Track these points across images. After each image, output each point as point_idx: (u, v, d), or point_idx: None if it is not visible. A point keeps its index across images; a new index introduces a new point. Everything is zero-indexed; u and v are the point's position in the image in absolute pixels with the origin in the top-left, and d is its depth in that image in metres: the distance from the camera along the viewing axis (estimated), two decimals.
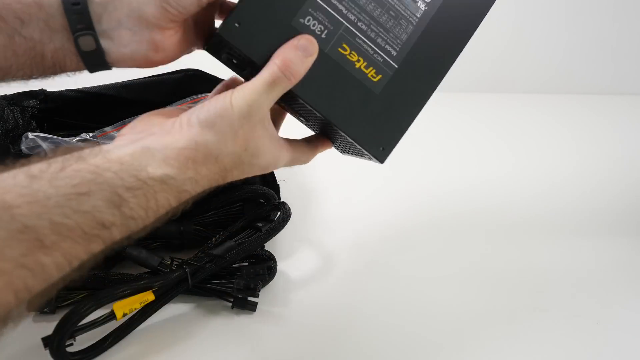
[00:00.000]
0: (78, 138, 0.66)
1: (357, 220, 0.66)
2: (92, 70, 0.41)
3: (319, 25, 0.41)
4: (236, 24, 0.40)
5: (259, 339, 0.48)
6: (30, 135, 0.63)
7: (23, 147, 0.61)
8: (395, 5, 0.42)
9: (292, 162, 0.45)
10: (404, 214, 0.68)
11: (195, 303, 0.52)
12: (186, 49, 0.43)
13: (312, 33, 0.41)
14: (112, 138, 0.66)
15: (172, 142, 0.36)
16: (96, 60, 0.40)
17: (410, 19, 0.43)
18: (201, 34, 0.45)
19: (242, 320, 0.50)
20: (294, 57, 0.39)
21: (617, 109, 1.08)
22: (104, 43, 0.40)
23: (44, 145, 0.63)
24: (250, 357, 0.46)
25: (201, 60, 0.53)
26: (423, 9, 0.43)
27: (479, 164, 0.83)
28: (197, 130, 0.37)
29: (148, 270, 0.52)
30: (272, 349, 0.47)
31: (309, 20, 0.41)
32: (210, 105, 0.38)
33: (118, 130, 0.68)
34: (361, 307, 0.52)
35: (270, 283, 0.54)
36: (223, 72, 0.49)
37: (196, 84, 0.73)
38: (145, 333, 0.48)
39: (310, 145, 0.46)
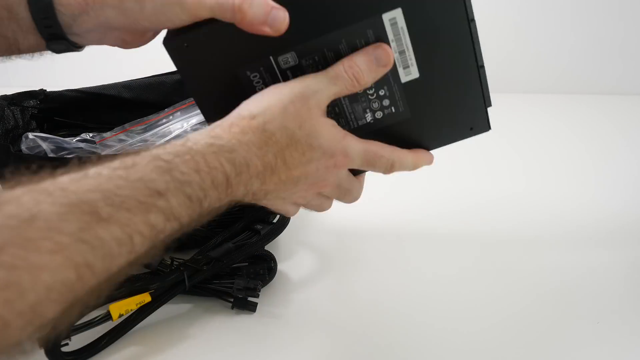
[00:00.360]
0: (78, 138, 0.66)
1: (358, 220, 0.66)
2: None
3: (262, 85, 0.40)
4: (185, 44, 0.39)
5: (259, 339, 0.48)
6: (30, 135, 0.63)
7: (23, 147, 0.61)
8: None
9: (367, 158, 0.41)
10: (404, 214, 0.68)
11: (195, 303, 0.52)
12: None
13: (255, 89, 0.40)
14: (111, 144, 0.66)
15: (216, 123, 0.36)
16: (67, 50, 0.41)
17: None
18: None
19: (242, 320, 0.50)
20: (364, 63, 0.39)
21: (626, 109, 1.08)
22: (75, 39, 0.40)
23: (44, 145, 0.63)
24: (250, 357, 0.46)
25: None
26: None
27: (485, 166, 0.82)
28: (242, 107, 0.37)
29: (148, 270, 0.51)
30: (272, 349, 0.47)
31: (255, 76, 0.40)
32: (257, 93, 0.38)
33: (117, 135, 0.68)
34: (361, 307, 0.52)
35: (271, 283, 0.54)
36: None
37: None
38: (144, 333, 0.48)
39: (392, 149, 0.42)
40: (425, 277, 0.56)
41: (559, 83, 1.19)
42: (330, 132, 0.39)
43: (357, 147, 0.40)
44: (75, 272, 0.24)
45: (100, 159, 0.30)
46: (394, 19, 0.38)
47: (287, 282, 0.55)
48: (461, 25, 0.39)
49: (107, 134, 0.68)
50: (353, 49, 0.39)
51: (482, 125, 0.44)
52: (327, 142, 0.38)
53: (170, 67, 0.49)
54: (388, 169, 0.43)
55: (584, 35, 1.17)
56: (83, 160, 0.30)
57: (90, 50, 0.44)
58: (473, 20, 0.39)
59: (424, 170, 0.47)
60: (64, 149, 0.63)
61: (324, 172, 0.39)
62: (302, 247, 0.61)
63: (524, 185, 0.76)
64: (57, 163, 0.40)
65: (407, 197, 0.72)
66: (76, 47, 0.41)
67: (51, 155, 0.61)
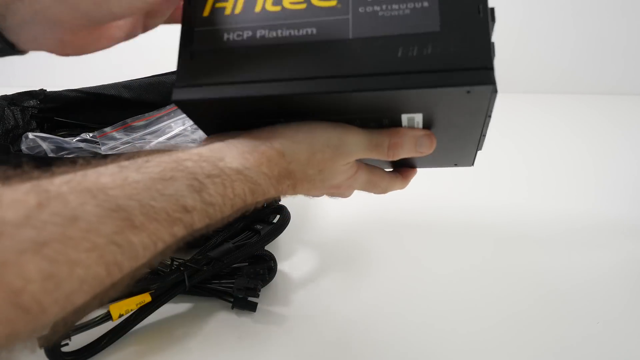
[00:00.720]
0: (78, 138, 0.66)
1: (358, 220, 0.66)
2: None
3: None
4: (198, 107, 0.39)
5: (259, 339, 0.48)
6: (30, 135, 0.63)
7: (23, 147, 0.61)
8: None
9: (367, 186, 0.45)
10: (405, 214, 0.68)
11: (195, 303, 0.52)
12: (112, 42, 0.41)
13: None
14: (112, 138, 0.66)
15: (249, 141, 0.38)
16: (3, 51, 0.39)
17: None
18: (144, 21, 0.42)
19: (242, 320, 0.50)
20: (408, 144, 0.40)
21: (626, 109, 1.08)
22: (11, 36, 0.39)
23: (44, 145, 0.63)
24: (250, 357, 0.46)
25: None
26: None
27: (485, 165, 0.82)
28: (275, 136, 0.38)
29: (148, 269, 0.52)
30: (272, 349, 0.47)
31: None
32: (299, 125, 0.39)
33: (118, 130, 0.68)
34: (362, 307, 0.52)
35: (271, 283, 0.54)
36: None
37: None
38: (144, 333, 0.48)
39: (392, 173, 0.46)
40: (426, 277, 0.56)
41: (559, 83, 1.19)
42: (345, 173, 0.42)
43: (361, 179, 0.43)
44: (105, 269, 0.27)
45: (142, 157, 0.33)
46: (413, 118, 0.40)
47: (287, 282, 0.55)
48: (478, 119, 0.40)
49: (108, 129, 0.68)
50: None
51: (467, 163, 0.48)
52: (338, 181, 0.42)
53: (171, 67, 0.48)
54: (380, 193, 0.47)
55: (584, 35, 1.17)
56: (127, 156, 0.33)
57: None
58: (490, 115, 0.40)
59: (424, 170, 0.47)
60: (64, 149, 0.63)
61: (328, 191, 0.44)
62: (302, 247, 0.61)
63: (523, 185, 0.76)
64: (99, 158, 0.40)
65: (408, 197, 0.72)
66: (13, 48, 0.39)
67: (51, 155, 0.61)
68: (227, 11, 0.39)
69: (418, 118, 0.40)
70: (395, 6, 0.37)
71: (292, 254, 0.59)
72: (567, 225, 0.66)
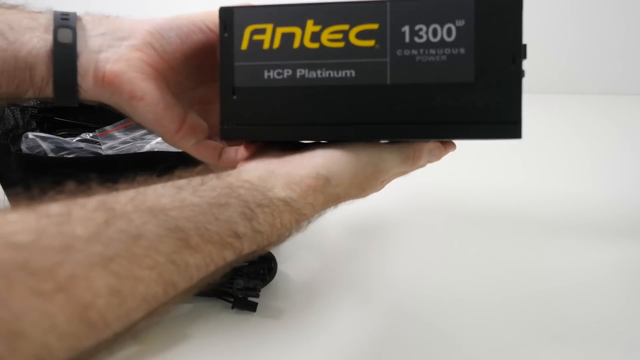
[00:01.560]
0: (78, 138, 0.66)
1: (359, 220, 0.66)
2: (57, 82, 0.41)
3: None
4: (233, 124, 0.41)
5: (259, 339, 0.48)
6: (30, 135, 0.63)
7: (23, 146, 0.61)
8: None
9: (398, 176, 0.46)
10: (405, 214, 0.68)
11: (195, 303, 0.52)
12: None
13: None
14: (112, 137, 0.66)
15: (294, 169, 0.38)
16: (66, 60, 0.41)
17: None
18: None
19: (242, 320, 0.50)
20: (424, 156, 0.44)
21: (626, 109, 1.08)
22: (79, 43, 0.41)
23: (44, 145, 0.63)
24: (250, 357, 0.46)
25: None
26: None
27: (485, 165, 0.82)
28: (319, 161, 0.39)
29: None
30: (272, 349, 0.47)
31: None
32: (336, 146, 0.40)
33: (118, 129, 0.68)
34: (362, 307, 0.52)
35: (271, 283, 0.54)
36: None
37: None
38: (144, 333, 0.48)
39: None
40: (427, 276, 0.56)
41: (559, 83, 1.19)
42: (382, 184, 0.44)
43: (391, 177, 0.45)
44: (163, 288, 0.28)
45: (195, 177, 0.35)
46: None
47: (287, 282, 0.55)
48: None
49: (109, 127, 0.68)
50: None
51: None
52: (376, 191, 0.44)
53: None
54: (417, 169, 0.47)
55: (584, 35, 1.17)
56: (180, 174, 0.35)
57: None
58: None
59: (425, 170, 0.47)
60: (64, 148, 0.63)
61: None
62: (302, 247, 0.61)
63: (523, 185, 0.76)
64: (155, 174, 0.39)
65: (409, 197, 0.72)
66: (75, 53, 0.42)
67: (51, 155, 0.61)
68: (266, 45, 0.40)
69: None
70: (432, 51, 0.38)
71: (292, 254, 0.59)
72: (566, 225, 0.66)
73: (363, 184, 0.41)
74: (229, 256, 0.33)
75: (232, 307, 0.50)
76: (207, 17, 0.43)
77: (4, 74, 0.40)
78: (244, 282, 0.50)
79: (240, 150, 0.43)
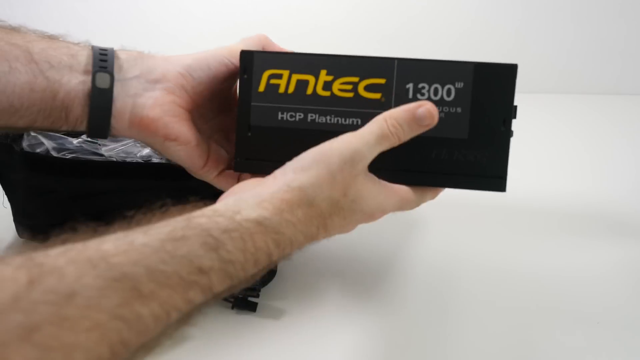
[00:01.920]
0: (79, 139, 0.66)
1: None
2: (92, 124, 0.43)
3: None
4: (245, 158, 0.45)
5: (259, 339, 0.48)
6: (33, 132, 0.63)
7: (24, 144, 0.61)
8: None
9: (401, 207, 0.44)
10: (404, 215, 0.68)
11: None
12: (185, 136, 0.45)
13: None
14: (112, 140, 0.66)
15: (265, 189, 0.36)
16: (102, 104, 0.42)
17: None
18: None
19: (243, 320, 0.50)
20: (406, 123, 0.41)
21: (626, 109, 1.08)
22: (115, 88, 0.42)
23: (46, 142, 0.63)
24: (250, 357, 0.46)
25: None
26: None
27: None
28: (290, 176, 0.37)
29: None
30: (272, 349, 0.47)
31: None
32: (305, 153, 0.38)
33: None
34: (362, 307, 0.52)
35: (271, 283, 0.54)
36: None
37: None
38: None
39: (418, 190, 0.45)
40: (426, 277, 0.56)
41: (559, 83, 1.19)
42: (372, 194, 0.41)
43: (392, 200, 0.43)
44: (109, 349, 0.24)
45: (147, 218, 0.31)
46: None
47: (287, 282, 0.55)
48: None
49: None
50: None
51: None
52: (369, 206, 0.41)
53: None
54: (413, 208, 0.46)
55: (584, 35, 1.17)
56: (128, 219, 0.31)
57: None
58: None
59: None
60: (66, 148, 0.63)
61: (362, 221, 0.43)
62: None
63: (523, 185, 0.76)
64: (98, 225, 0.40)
65: None
66: (110, 98, 0.43)
67: (53, 153, 0.61)
68: (281, 89, 0.44)
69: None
70: None
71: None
72: (566, 225, 0.66)
73: (345, 187, 0.38)
74: (196, 297, 0.29)
75: (232, 307, 0.50)
76: (231, 54, 0.45)
77: (40, 112, 0.40)
78: None
79: None
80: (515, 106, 0.43)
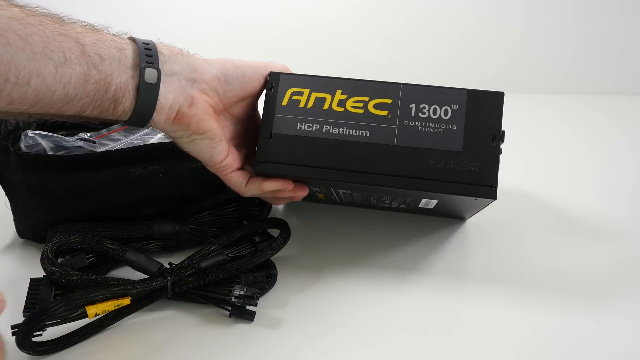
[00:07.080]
0: (76, 137, 0.66)
1: (359, 226, 0.66)
2: (137, 116, 0.45)
3: None
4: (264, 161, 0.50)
5: (257, 349, 0.48)
6: (30, 133, 0.62)
7: (22, 145, 0.61)
8: None
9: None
10: (404, 216, 0.68)
11: (193, 310, 0.52)
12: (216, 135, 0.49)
13: None
14: (112, 139, 0.66)
15: None
16: (148, 98, 0.45)
17: None
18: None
19: (240, 329, 0.50)
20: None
21: (626, 109, 1.08)
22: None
23: (44, 142, 0.62)
24: None
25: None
26: None
27: None
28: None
29: (148, 276, 0.51)
30: (269, 358, 0.47)
31: None
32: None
33: (117, 131, 0.67)
34: (363, 317, 0.52)
35: (270, 291, 0.54)
36: None
37: None
38: (141, 339, 0.48)
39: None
40: (425, 278, 0.56)
41: (559, 83, 1.19)
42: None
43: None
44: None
45: None
46: (430, 201, 0.55)
47: (286, 291, 0.54)
48: (477, 207, 0.57)
49: (104, 131, 0.68)
50: None
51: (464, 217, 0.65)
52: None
53: None
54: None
55: (584, 35, 1.16)
56: None
57: None
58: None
59: None
60: (63, 147, 0.63)
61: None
62: (302, 254, 0.60)
63: (523, 185, 0.76)
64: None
65: None
66: (157, 93, 0.46)
67: (50, 153, 0.61)
68: (301, 104, 0.50)
69: (434, 201, 0.54)
70: (431, 124, 0.49)
71: (291, 261, 0.59)
72: (566, 225, 0.66)
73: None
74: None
75: (230, 316, 0.50)
76: (266, 69, 0.52)
77: (92, 103, 0.42)
78: (242, 291, 0.50)
79: (267, 183, 0.51)
80: (503, 131, 0.49)
